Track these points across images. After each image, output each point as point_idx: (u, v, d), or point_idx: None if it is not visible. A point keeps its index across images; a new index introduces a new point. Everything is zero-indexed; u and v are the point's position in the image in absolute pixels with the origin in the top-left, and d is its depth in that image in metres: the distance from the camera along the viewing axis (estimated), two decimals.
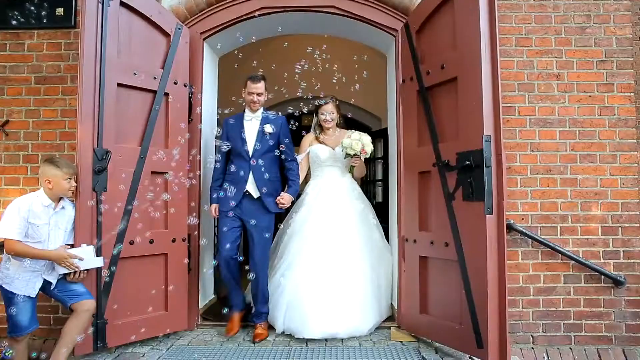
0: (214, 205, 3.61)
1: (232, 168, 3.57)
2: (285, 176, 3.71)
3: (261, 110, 3.66)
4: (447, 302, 3.16)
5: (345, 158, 3.88)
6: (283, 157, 3.65)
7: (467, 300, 2.95)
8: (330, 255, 3.60)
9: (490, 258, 2.84)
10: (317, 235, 3.69)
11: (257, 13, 3.77)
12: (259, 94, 3.58)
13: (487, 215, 2.85)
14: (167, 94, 3.45)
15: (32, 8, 3.62)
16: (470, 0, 2.97)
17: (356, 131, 3.85)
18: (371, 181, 6.31)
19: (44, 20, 3.62)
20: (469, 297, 2.94)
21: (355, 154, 3.77)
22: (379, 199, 6.17)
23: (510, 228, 3.35)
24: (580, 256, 3.41)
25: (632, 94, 3.52)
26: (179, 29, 3.56)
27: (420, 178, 3.43)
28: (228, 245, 3.50)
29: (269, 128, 3.57)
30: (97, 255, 2.98)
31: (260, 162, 3.53)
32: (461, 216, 3.04)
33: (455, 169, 3.06)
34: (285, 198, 3.58)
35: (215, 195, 3.60)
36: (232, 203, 3.49)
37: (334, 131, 4.01)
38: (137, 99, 3.33)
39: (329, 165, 3.97)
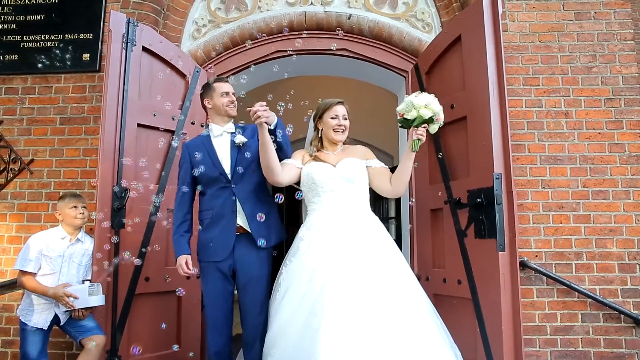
0: (184, 258, 2.68)
1: (206, 201, 2.78)
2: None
3: (231, 121, 2.89)
4: (462, 341, 3.07)
5: (401, 126, 2.60)
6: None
7: (482, 340, 2.90)
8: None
9: (504, 296, 2.81)
10: (314, 314, 2.28)
11: (272, 56, 3.93)
12: (234, 94, 2.85)
13: (499, 253, 2.84)
14: (184, 134, 3.57)
15: (60, 53, 3.83)
16: (477, 42, 3.08)
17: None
18: (384, 219, 6.33)
19: (72, 65, 3.81)
20: (483, 336, 2.89)
21: (430, 118, 2.47)
22: (392, 236, 6.19)
23: (523, 265, 3.32)
24: (598, 294, 3.35)
25: None
26: (197, 71, 3.72)
27: (432, 215, 3.44)
28: (221, 340, 2.67)
29: (240, 138, 2.78)
30: (101, 293, 2.96)
31: (245, 182, 2.75)
32: (474, 253, 3.03)
33: (466, 207, 3.08)
34: (256, 105, 2.46)
35: (183, 244, 2.73)
36: (224, 249, 2.67)
37: (339, 147, 2.83)
38: (156, 138, 3.43)
39: (329, 190, 2.66)
